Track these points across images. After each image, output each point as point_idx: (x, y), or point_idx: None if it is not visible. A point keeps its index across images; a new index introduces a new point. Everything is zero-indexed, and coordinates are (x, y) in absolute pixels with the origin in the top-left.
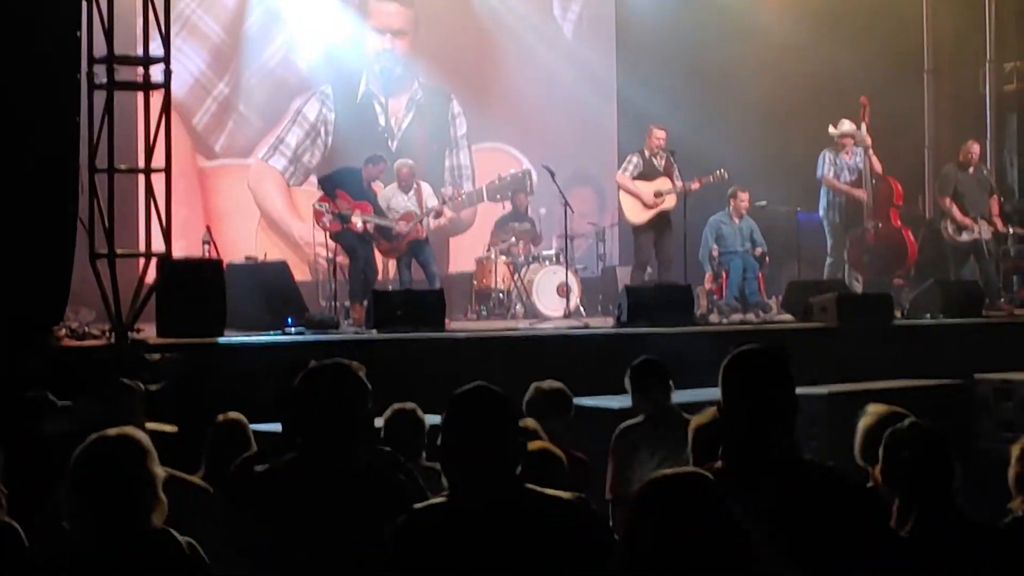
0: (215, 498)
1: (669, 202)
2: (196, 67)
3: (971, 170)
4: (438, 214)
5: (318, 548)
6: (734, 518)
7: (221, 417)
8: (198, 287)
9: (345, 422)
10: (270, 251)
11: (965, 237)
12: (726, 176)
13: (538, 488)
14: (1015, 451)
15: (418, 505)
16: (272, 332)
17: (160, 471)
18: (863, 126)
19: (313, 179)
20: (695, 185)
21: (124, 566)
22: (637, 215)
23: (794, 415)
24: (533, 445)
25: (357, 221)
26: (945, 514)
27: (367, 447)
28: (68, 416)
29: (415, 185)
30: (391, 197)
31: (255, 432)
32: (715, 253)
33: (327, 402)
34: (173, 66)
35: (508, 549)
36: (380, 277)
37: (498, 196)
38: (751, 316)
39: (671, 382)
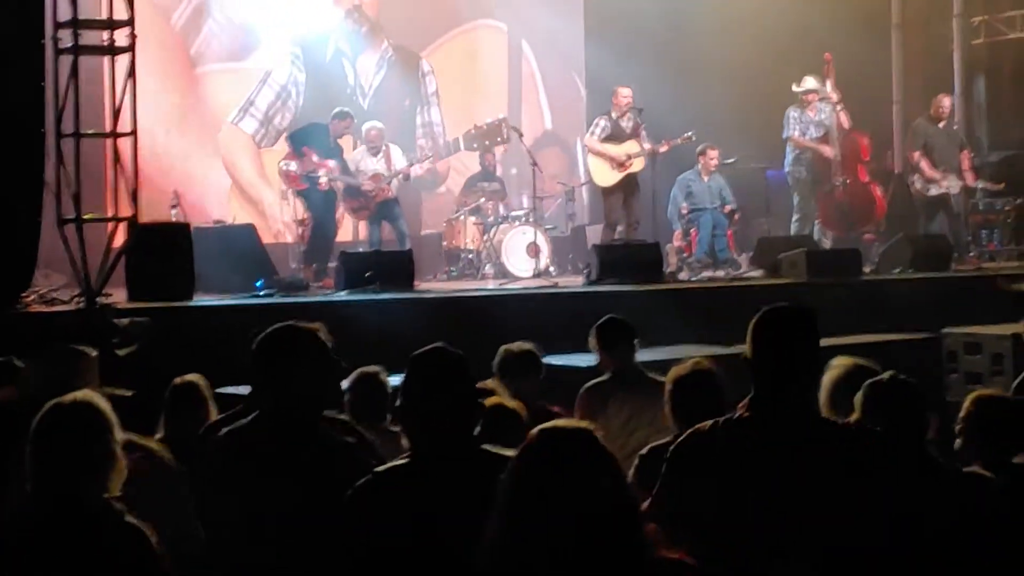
0: (172, 461)
1: (638, 165)
2: None
3: (941, 124)
4: (406, 176)
5: (273, 513)
6: (621, 476)
7: (178, 380)
8: (167, 251)
9: (302, 384)
10: (240, 216)
11: (934, 191)
12: (693, 139)
13: (493, 448)
14: (966, 404)
15: (379, 468)
16: (241, 295)
17: (119, 435)
18: (828, 83)
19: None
20: (663, 148)
21: (76, 537)
22: (605, 178)
23: (819, 371)
24: (489, 401)
25: (323, 179)
26: (919, 463)
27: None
28: (21, 382)
29: (384, 148)
30: (360, 159)
31: (225, 395)
32: (684, 211)
33: (284, 364)
34: None
35: (463, 508)
36: (351, 238)
37: (475, 145)
38: (721, 273)
39: (636, 340)
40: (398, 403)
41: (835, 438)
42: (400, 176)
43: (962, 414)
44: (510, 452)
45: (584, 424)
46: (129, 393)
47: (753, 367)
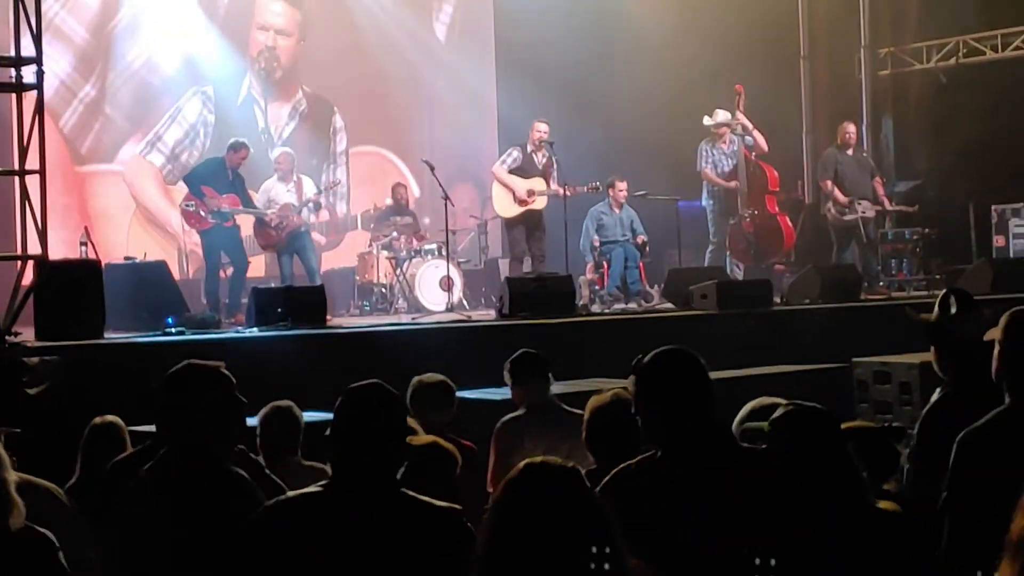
0: (69, 502)
1: (539, 203)
2: (62, 69)
3: (850, 151)
4: (317, 206)
5: (174, 551)
6: (603, 512)
7: (97, 420)
8: (76, 288)
9: (203, 422)
10: (151, 250)
11: (848, 217)
12: (599, 188)
13: (413, 493)
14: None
15: (288, 494)
16: (152, 332)
17: (12, 476)
18: (738, 113)
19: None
20: (568, 192)
21: None
22: (505, 209)
23: (711, 403)
24: (423, 439)
25: (227, 214)
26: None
27: (227, 446)
28: None
29: (295, 178)
30: (271, 188)
31: (137, 433)
32: (596, 243)
33: (184, 403)
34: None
35: (366, 545)
36: (263, 273)
37: (371, 226)
38: (633, 305)
39: (550, 374)
40: (328, 433)
41: (749, 465)
42: (309, 205)
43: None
44: (431, 501)
45: (570, 463)
46: (17, 430)
47: (638, 410)
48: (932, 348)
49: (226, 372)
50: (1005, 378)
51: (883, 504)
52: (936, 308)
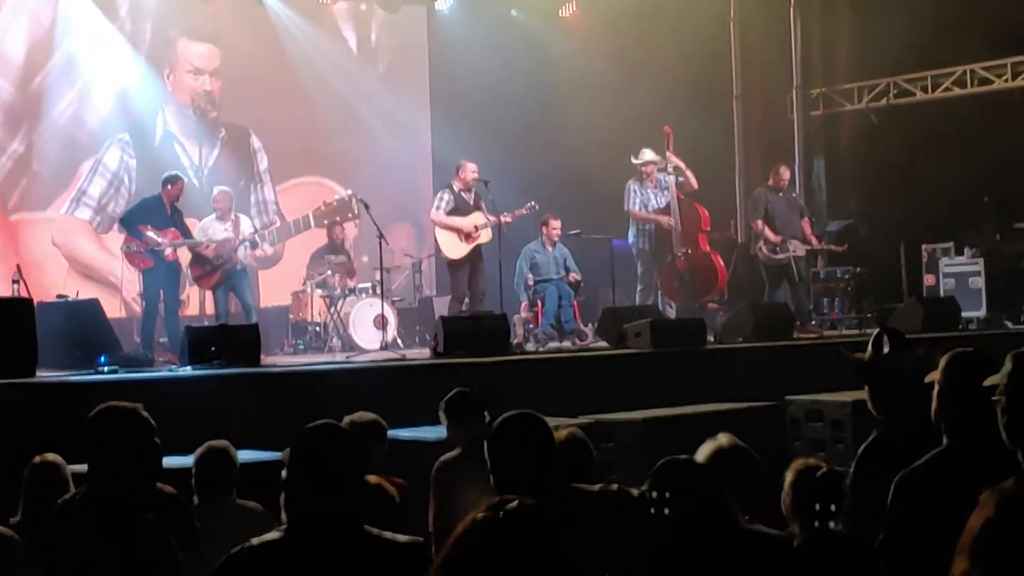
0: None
1: (485, 236)
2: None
3: (781, 193)
4: (254, 244)
5: None
6: (560, 550)
7: (37, 459)
8: (8, 326)
9: (121, 464)
10: (85, 292)
11: (779, 256)
12: (536, 207)
13: (375, 530)
14: (789, 477)
15: (252, 541)
16: (85, 371)
17: None
18: (668, 154)
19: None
20: (507, 218)
21: None
22: (454, 251)
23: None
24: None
25: (167, 249)
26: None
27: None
28: None
29: (233, 216)
30: (208, 227)
31: (76, 473)
32: (530, 281)
33: (104, 445)
34: None
35: None
36: (197, 312)
37: (325, 221)
38: (567, 344)
39: (486, 413)
40: (283, 476)
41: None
42: (247, 244)
43: (786, 484)
44: (393, 536)
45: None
46: None
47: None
48: (866, 387)
49: (144, 414)
50: (943, 419)
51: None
52: (869, 347)
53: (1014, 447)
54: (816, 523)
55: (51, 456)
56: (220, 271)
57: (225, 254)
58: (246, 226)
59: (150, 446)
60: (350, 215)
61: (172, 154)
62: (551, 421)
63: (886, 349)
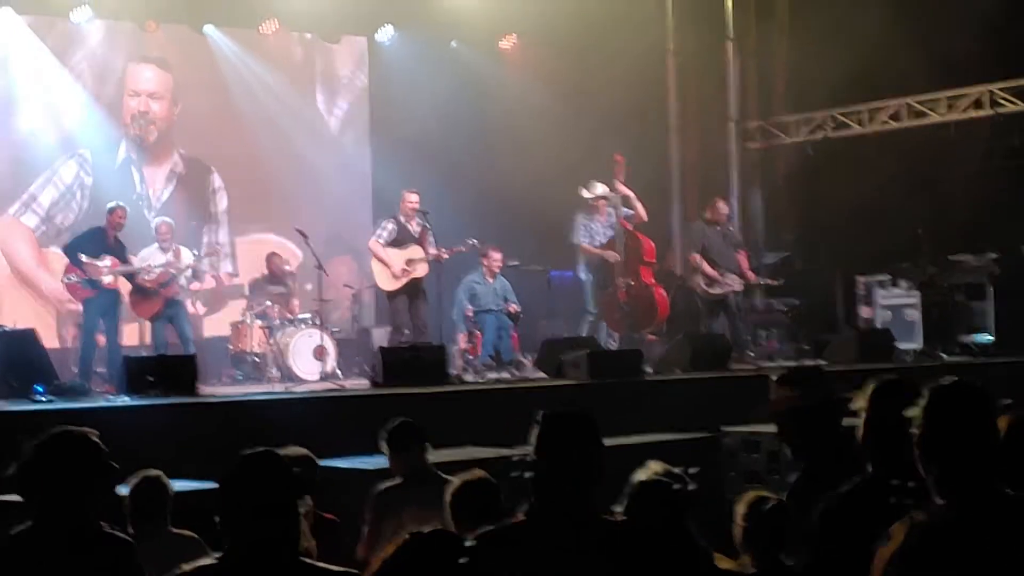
0: None
1: (420, 270)
2: None
3: (718, 227)
4: (196, 272)
5: None
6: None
7: None
8: None
9: (75, 490)
10: (27, 319)
11: (716, 291)
12: (476, 245)
13: (310, 561)
14: (740, 509)
15: (185, 567)
16: (20, 400)
17: None
18: (617, 182)
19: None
20: (445, 255)
21: None
22: (387, 283)
23: (600, 473)
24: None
25: (107, 278)
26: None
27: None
28: None
29: (174, 247)
30: (149, 257)
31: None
32: (470, 313)
33: (57, 470)
34: None
35: None
36: (136, 341)
37: (265, 258)
38: (505, 374)
39: (427, 443)
40: (221, 504)
41: (609, 537)
42: (187, 272)
43: (738, 516)
44: (328, 567)
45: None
46: None
47: (535, 469)
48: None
49: (97, 440)
50: (867, 447)
51: (724, 563)
52: (775, 390)
53: (927, 479)
54: (768, 555)
55: None
56: (160, 301)
57: (166, 285)
58: (186, 256)
59: (108, 471)
60: (277, 256)
61: (128, 181)
62: (485, 452)
63: (791, 390)
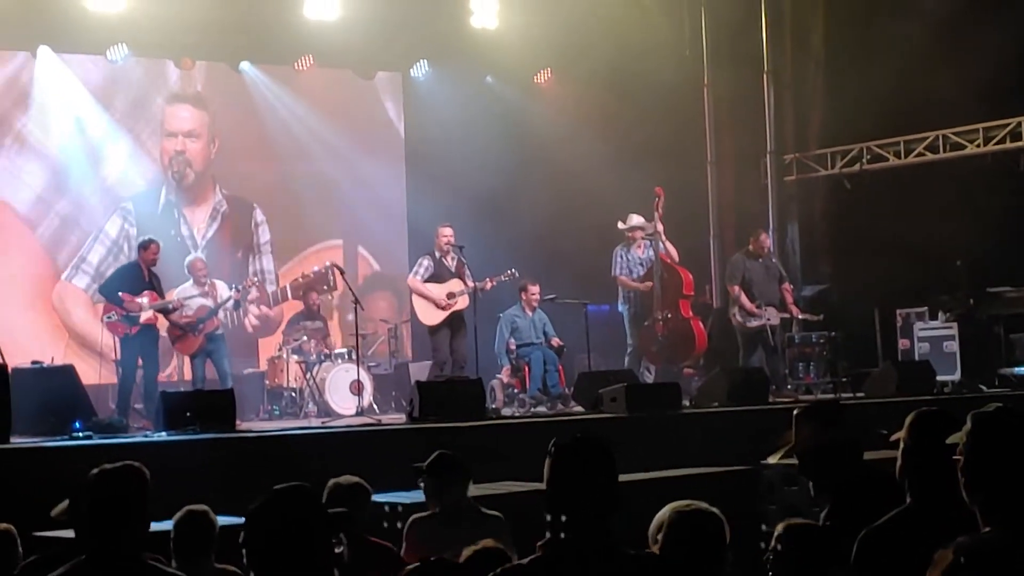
0: None
1: (461, 303)
2: (36, 182)
3: (760, 259)
4: (237, 303)
5: None
6: None
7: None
8: None
9: (125, 524)
10: (86, 362)
11: (754, 324)
12: (516, 275)
13: None
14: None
15: None
16: (59, 437)
17: None
18: (655, 215)
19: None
20: (487, 285)
21: None
22: (430, 317)
23: (615, 501)
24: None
25: (146, 313)
26: None
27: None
28: None
29: (209, 282)
30: (185, 292)
31: (42, 538)
32: (512, 346)
33: (108, 505)
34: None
35: None
36: (175, 377)
37: (301, 293)
38: (542, 408)
39: (467, 476)
40: (243, 538)
41: (632, 571)
42: (229, 303)
43: (773, 543)
44: None
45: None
46: None
47: (549, 501)
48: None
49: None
50: (907, 477)
51: None
52: (793, 431)
53: (972, 506)
54: None
55: (3, 525)
56: (200, 337)
57: (204, 319)
58: (222, 290)
59: (145, 508)
60: (326, 287)
61: (171, 223)
62: (523, 486)
63: (805, 429)
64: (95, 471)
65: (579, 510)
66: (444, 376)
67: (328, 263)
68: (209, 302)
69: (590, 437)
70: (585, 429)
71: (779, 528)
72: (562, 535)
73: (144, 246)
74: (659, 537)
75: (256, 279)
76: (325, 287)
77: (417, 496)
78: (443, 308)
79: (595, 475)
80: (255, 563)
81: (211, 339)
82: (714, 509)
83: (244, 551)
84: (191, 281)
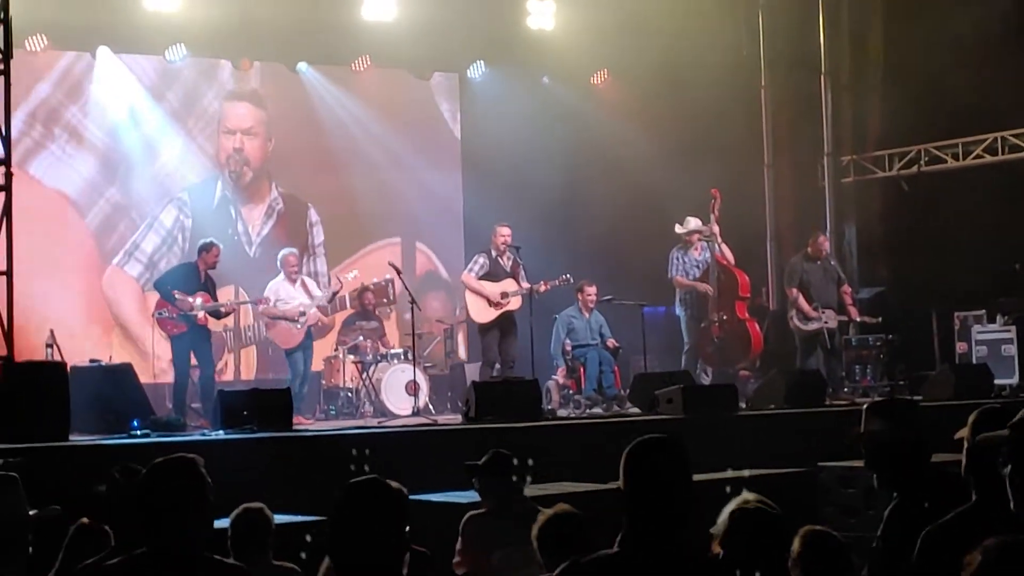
0: None
1: (514, 304)
2: (87, 169)
3: (819, 262)
4: (330, 300)
5: None
6: None
7: (84, 521)
8: (41, 390)
9: (185, 516)
10: (120, 355)
11: (812, 326)
12: (571, 280)
13: None
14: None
15: None
16: (117, 435)
17: None
18: (712, 217)
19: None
20: (542, 288)
21: None
22: (482, 315)
23: (691, 502)
24: None
25: (199, 313)
26: None
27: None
28: None
29: (300, 279)
30: (279, 288)
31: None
32: (568, 347)
33: (168, 497)
34: (62, 169)
35: None
36: (231, 377)
37: (357, 294)
38: (598, 410)
39: (524, 474)
40: (329, 532)
41: (705, 570)
42: (327, 299)
43: (793, 550)
44: None
45: None
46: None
47: (625, 499)
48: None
49: (203, 469)
50: (971, 475)
51: None
52: (862, 424)
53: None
54: None
55: (87, 520)
56: (302, 332)
57: (311, 316)
58: (313, 286)
59: (208, 500)
60: (385, 300)
61: (227, 219)
62: (580, 486)
63: (876, 423)
64: (157, 462)
65: (659, 509)
66: (500, 376)
67: (387, 277)
68: (304, 297)
69: (669, 437)
70: (642, 431)
71: (798, 538)
72: (640, 532)
73: (206, 248)
74: (722, 535)
75: (341, 282)
76: (385, 300)
77: (473, 496)
78: (495, 306)
79: (675, 474)
80: (338, 557)
81: (309, 335)
82: (776, 508)
83: (329, 542)
84: (282, 276)
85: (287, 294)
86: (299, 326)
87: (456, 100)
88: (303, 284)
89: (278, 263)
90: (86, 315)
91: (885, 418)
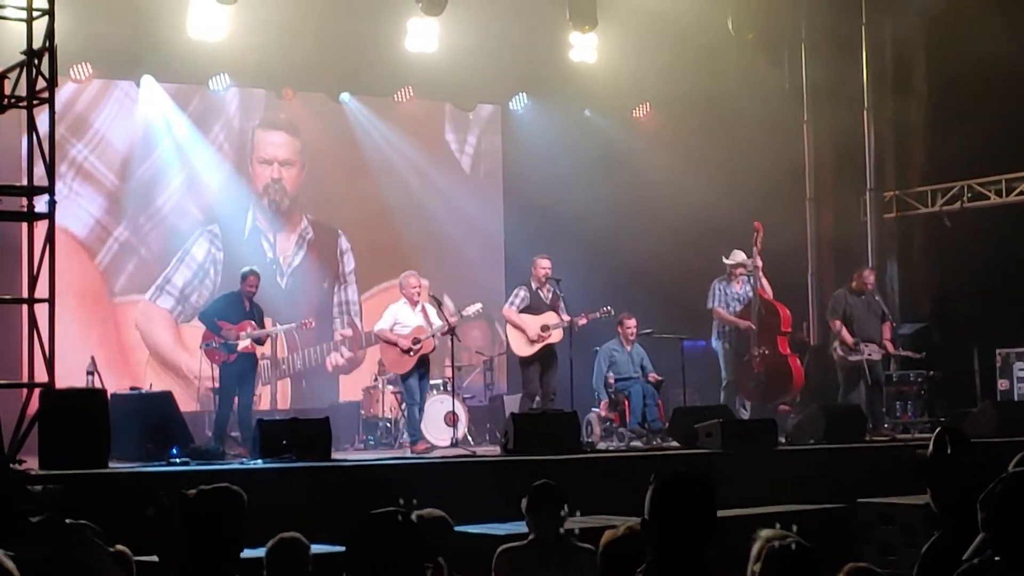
0: None
1: (555, 336)
2: (96, 209)
3: (863, 296)
4: (452, 331)
5: None
6: None
7: (118, 548)
8: (81, 417)
9: (221, 543)
10: (159, 383)
11: (854, 358)
12: (612, 313)
13: None
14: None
15: None
16: (156, 463)
17: None
18: (754, 250)
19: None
20: (582, 321)
21: None
22: (523, 349)
23: (712, 535)
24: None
25: (243, 342)
26: None
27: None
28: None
29: (422, 304)
30: (397, 312)
31: (141, 563)
32: (611, 380)
33: (205, 526)
34: (72, 208)
35: None
36: (268, 406)
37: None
38: (637, 443)
39: (565, 507)
40: (346, 560)
41: None
42: (441, 332)
43: None
44: None
45: None
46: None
47: (649, 531)
48: (927, 487)
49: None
50: None
51: None
52: (931, 447)
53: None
54: None
55: (121, 547)
56: (415, 358)
57: (423, 341)
58: (433, 314)
59: (239, 529)
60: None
61: (258, 249)
62: (618, 520)
63: (948, 449)
64: (193, 491)
65: (677, 541)
66: (539, 409)
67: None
68: (422, 321)
69: (691, 472)
70: (680, 464)
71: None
72: (663, 565)
73: (243, 277)
74: (756, 568)
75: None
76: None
77: (510, 528)
78: (536, 341)
79: (694, 509)
80: None
81: (423, 362)
82: (808, 545)
83: (346, 572)
84: (403, 300)
85: (406, 318)
86: (411, 354)
87: (498, 131)
88: (423, 310)
89: (399, 286)
90: (117, 345)
91: (958, 443)
